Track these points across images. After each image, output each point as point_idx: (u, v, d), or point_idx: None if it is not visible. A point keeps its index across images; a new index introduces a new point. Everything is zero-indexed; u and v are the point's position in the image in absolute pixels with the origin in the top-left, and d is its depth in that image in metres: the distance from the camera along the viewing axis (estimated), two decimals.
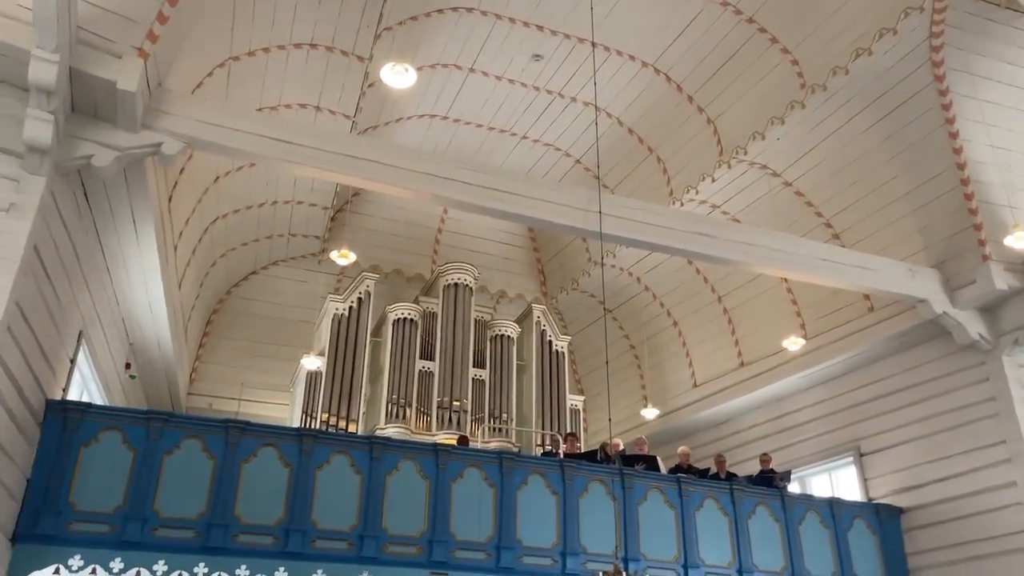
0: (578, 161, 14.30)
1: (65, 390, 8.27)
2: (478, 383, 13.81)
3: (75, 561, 7.14)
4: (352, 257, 12.01)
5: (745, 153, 11.65)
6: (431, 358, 13.57)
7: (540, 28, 11.58)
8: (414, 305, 13.96)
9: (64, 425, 7.56)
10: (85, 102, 6.94)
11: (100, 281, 8.90)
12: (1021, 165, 10.11)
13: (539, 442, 13.59)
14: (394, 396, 12.96)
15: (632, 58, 11.93)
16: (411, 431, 12.69)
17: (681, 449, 11.52)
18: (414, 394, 13.12)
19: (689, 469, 10.85)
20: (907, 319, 10.76)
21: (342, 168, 8.09)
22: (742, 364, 13.46)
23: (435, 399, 13.16)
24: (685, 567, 9.46)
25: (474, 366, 13.79)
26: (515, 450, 12.75)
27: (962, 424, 10.34)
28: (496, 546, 8.73)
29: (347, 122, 11.62)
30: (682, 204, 12.65)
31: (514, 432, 13.66)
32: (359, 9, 9.95)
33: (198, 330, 14.05)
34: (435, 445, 9.36)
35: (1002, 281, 9.91)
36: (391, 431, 12.31)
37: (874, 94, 10.19)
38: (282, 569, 7.77)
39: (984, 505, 9.91)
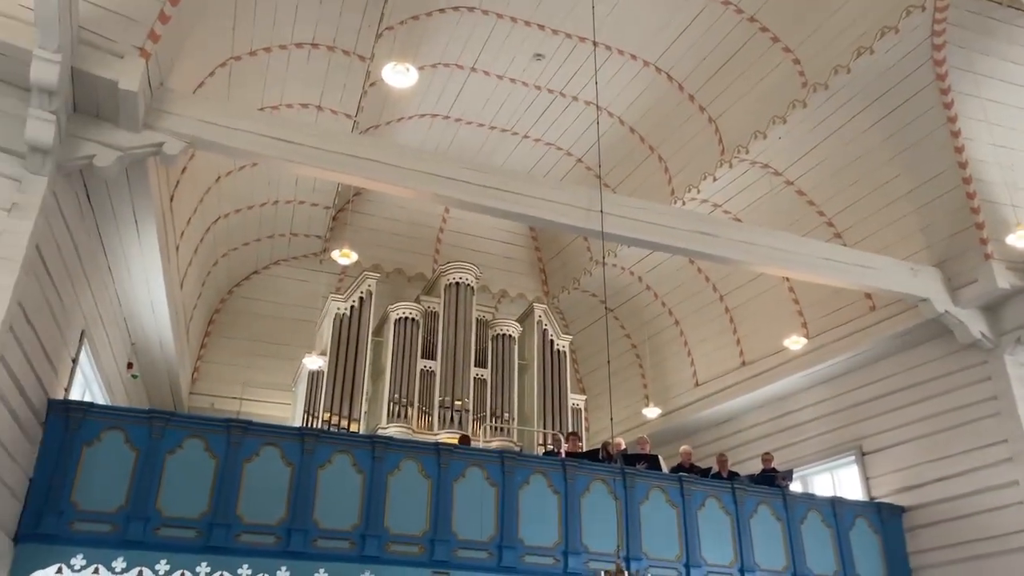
0: (579, 160, 14.30)
1: (67, 390, 8.28)
2: (480, 382, 13.81)
3: (77, 560, 7.15)
4: (354, 256, 12.02)
5: (747, 152, 11.64)
6: (433, 357, 13.58)
7: (541, 27, 11.58)
8: (416, 304, 13.97)
9: (66, 425, 7.57)
10: (87, 102, 6.94)
11: (102, 281, 8.91)
12: (1023, 164, 10.09)
13: (541, 441, 13.59)
14: (396, 395, 12.96)
15: (633, 57, 11.93)
16: (413, 430, 12.70)
17: (683, 448, 11.52)
18: (416, 393, 13.13)
19: (691, 468, 10.85)
20: (909, 318, 10.75)
21: (343, 168, 8.09)
22: (744, 363, 13.46)
23: (437, 398, 13.16)
24: (687, 566, 9.46)
25: (476, 365, 13.80)
26: (517, 449, 12.76)
27: (964, 423, 10.33)
28: (498, 545, 8.73)
29: (348, 122, 11.63)
30: (683, 203, 12.64)
31: (516, 431, 13.66)
32: (360, 9, 9.95)
33: (200, 330, 14.07)
34: (437, 444, 9.38)
35: (1004, 280, 9.90)
36: (393, 430, 12.32)
37: (876, 93, 10.18)
38: (284, 568, 7.77)
39: (986, 504, 9.91)
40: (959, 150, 9.85)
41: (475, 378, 13.70)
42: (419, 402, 13.10)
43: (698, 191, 12.49)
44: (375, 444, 8.76)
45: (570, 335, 15.48)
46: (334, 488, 8.34)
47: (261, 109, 10.45)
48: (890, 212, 10.83)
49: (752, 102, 11.35)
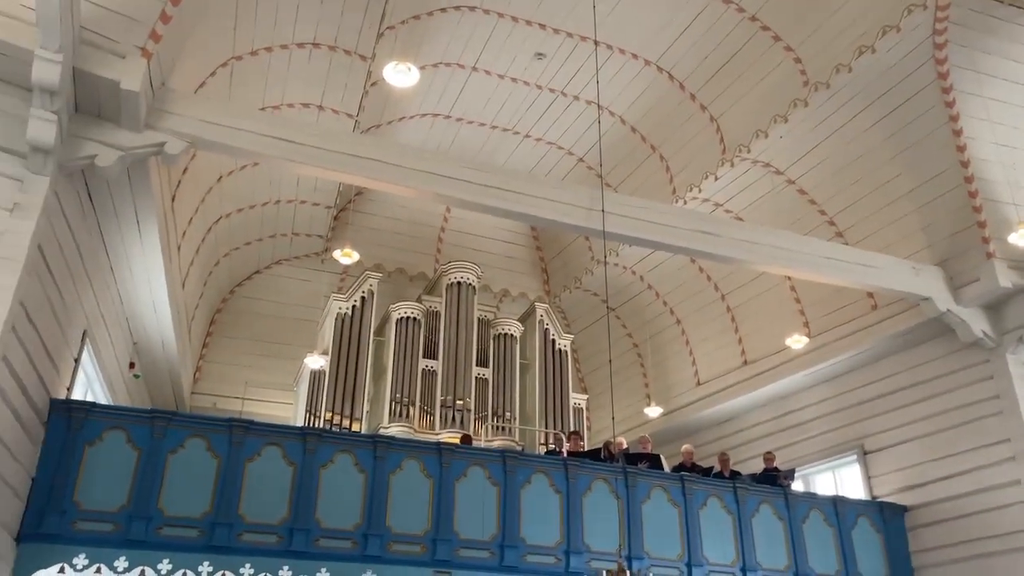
0: (581, 159, 14.30)
1: (69, 389, 8.29)
2: (481, 382, 13.81)
3: (80, 560, 7.15)
4: (355, 256, 12.02)
5: (748, 151, 11.64)
6: (434, 357, 13.58)
7: (542, 26, 11.57)
8: (417, 304, 13.97)
9: (68, 424, 7.58)
10: (89, 102, 6.95)
11: (104, 281, 8.92)
12: None
13: (542, 441, 13.59)
14: (398, 395, 12.97)
15: (635, 56, 11.93)
16: (415, 430, 12.71)
17: (684, 447, 11.52)
18: (417, 393, 13.14)
19: (693, 467, 10.84)
20: (911, 317, 10.75)
21: (345, 167, 8.10)
22: (745, 362, 13.45)
23: (438, 398, 13.17)
24: (689, 565, 9.45)
25: (477, 365, 13.80)
26: (518, 449, 12.76)
27: (966, 422, 10.32)
28: (500, 545, 8.74)
29: (350, 121, 11.63)
30: (685, 202, 12.64)
31: (517, 431, 13.67)
32: (361, 8, 9.95)
33: (202, 329, 14.08)
34: (439, 444, 9.38)
35: (1006, 279, 9.89)
36: (395, 430, 12.33)
37: (877, 92, 10.17)
38: (286, 568, 7.78)
39: (988, 503, 9.90)
40: (961, 149, 9.84)
41: (477, 377, 13.70)
42: (421, 402, 13.11)
43: (699, 190, 12.49)
44: (377, 444, 8.76)
45: (572, 334, 15.49)
46: (336, 488, 8.35)
47: (262, 109, 10.45)
48: (892, 211, 10.83)
49: (753, 101, 11.35)
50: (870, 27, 9.68)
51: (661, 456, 11.00)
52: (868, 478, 11.53)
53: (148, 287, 9.51)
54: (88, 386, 9.35)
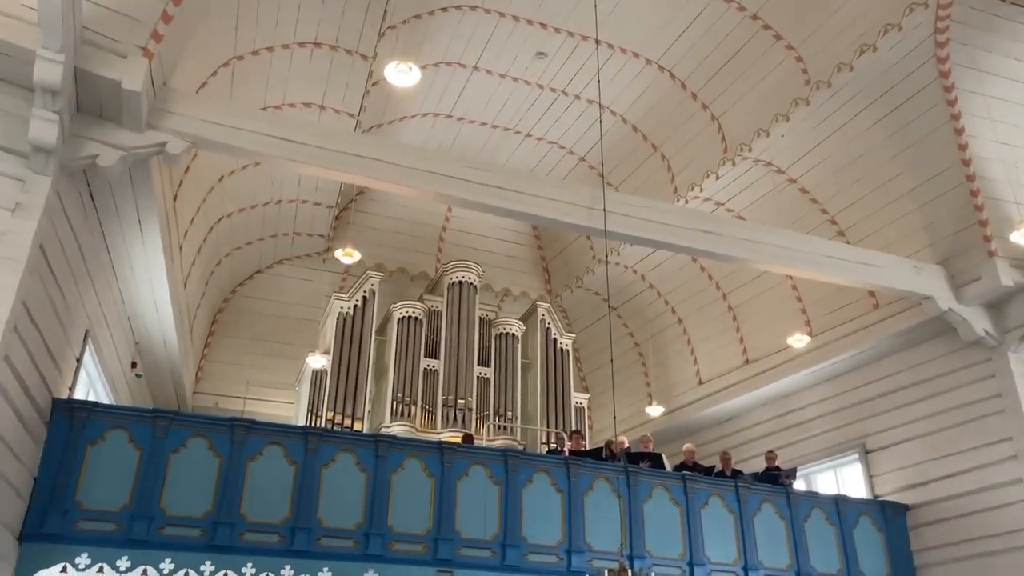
0: (582, 159, 14.30)
1: (71, 389, 8.29)
2: (483, 381, 13.82)
3: (82, 560, 7.16)
4: (356, 256, 12.04)
5: (749, 150, 11.63)
6: (436, 356, 13.59)
7: (544, 26, 11.57)
8: (419, 303, 13.98)
9: (71, 424, 7.59)
10: (90, 102, 6.95)
11: (106, 280, 8.93)
12: None
13: (544, 440, 13.59)
14: (399, 394, 12.98)
15: (636, 55, 11.92)
16: (416, 429, 12.71)
17: (686, 446, 11.52)
18: (419, 392, 13.14)
19: (694, 467, 10.84)
20: (912, 316, 10.74)
21: (346, 167, 8.10)
22: (747, 361, 13.45)
23: (440, 397, 13.18)
24: (690, 564, 9.46)
25: (479, 364, 13.80)
26: (520, 448, 12.77)
27: (968, 421, 10.31)
28: (501, 544, 8.74)
29: (351, 121, 11.63)
30: (686, 201, 12.64)
31: (519, 430, 13.67)
32: (363, 8, 9.95)
33: (203, 329, 14.09)
34: (440, 443, 9.37)
35: (1008, 277, 9.89)
36: (396, 429, 12.34)
37: (879, 90, 10.16)
38: (288, 567, 7.78)
39: (990, 502, 9.89)
40: (962, 147, 9.83)
41: (478, 377, 13.71)
42: (422, 401, 13.12)
43: (701, 189, 12.49)
44: (379, 443, 8.77)
45: (573, 333, 15.50)
46: (338, 487, 8.35)
47: (264, 108, 10.46)
48: (893, 210, 10.82)
49: (755, 100, 11.34)
50: (871, 26, 9.67)
51: (663, 455, 10.99)
52: (870, 477, 11.53)
53: (150, 287, 9.51)
54: (90, 386, 9.36)
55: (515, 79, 12.70)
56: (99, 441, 7.67)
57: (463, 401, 13.16)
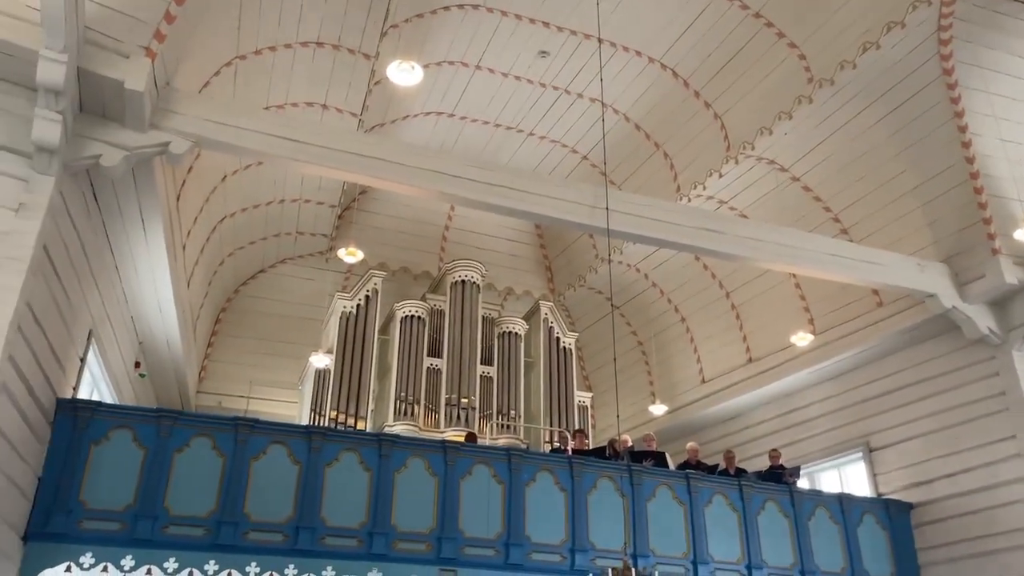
0: (585, 157, 14.29)
1: (75, 389, 8.30)
2: (486, 380, 13.82)
3: (86, 559, 7.18)
4: (359, 255, 12.03)
5: (752, 148, 11.61)
6: (439, 355, 13.60)
7: (546, 24, 11.56)
8: (421, 303, 13.99)
9: (75, 424, 7.60)
10: (93, 102, 6.96)
11: (109, 280, 8.94)
12: None
13: (547, 439, 13.60)
14: (402, 393, 12.99)
15: (638, 54, 11.91)
16: (419, 428, 12.72)
17: (690, 445, 11.51)
18: (422, 391, 13.15)
19: (698, 465, 10.84)
20: (916, 314, 10.72)
21: (349, 166, 8.10)
22: (750, 360, 13.44)
23: (443, 396, 13.18)
24: (694, 563, 9.45)
25: (482, 363, 13.81)
26: (523, 447, 12.77)
27: (972, 419, 10.29)
28: (505, 543, 8.74)
29: (354, 120, 11.63)
30: (689, 200, 12.62)
31: (522, 429, 13.67)
32: (365, 7, 9.94)
33: (207, 329, 14.11)
34: (443, 442, 9.38)
35: (1012, 275, 9.87)
36: (399, 428, 12.34)
37: (882, 88, 10.14)
38: (292, 566, 7.79)
39: (995, 500, 9.87)
40: (966, 145, 9.81)
41: (481, 376, 13.72)
42: (425, 400, 13.13)
43: (704, 188, 12.47)
44: (382, 442, 8.77)
45: (576, 332, 15.49)
46: (341, 486, 8.36)
47: (267, 108, 10.46)
48: (897, 208, 10.80)
49: (758, 98, 11.32)
50: (875, 23, 9.65)
51: (666, 454, 10.99)
52: (874, 475, 11.51)
53: (153, 286, 9.52)
54: (94, 385, 9.37)
55: (517, 78, 12.69)
56: (103, 441, 7.68)
57: (466, 400, 13.16)
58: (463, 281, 14.16)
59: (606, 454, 10.28)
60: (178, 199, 9.40)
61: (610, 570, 6.00)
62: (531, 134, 14.05)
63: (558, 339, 14.68)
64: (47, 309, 6.93)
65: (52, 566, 7.11)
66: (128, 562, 7.28)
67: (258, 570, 7.68)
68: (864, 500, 10.93)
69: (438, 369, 13.46)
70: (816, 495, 10.79)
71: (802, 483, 11.50)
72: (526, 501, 9.04)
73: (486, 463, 9.09)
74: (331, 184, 13.20)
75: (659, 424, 14.50)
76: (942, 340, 10.82)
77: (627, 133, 13.22)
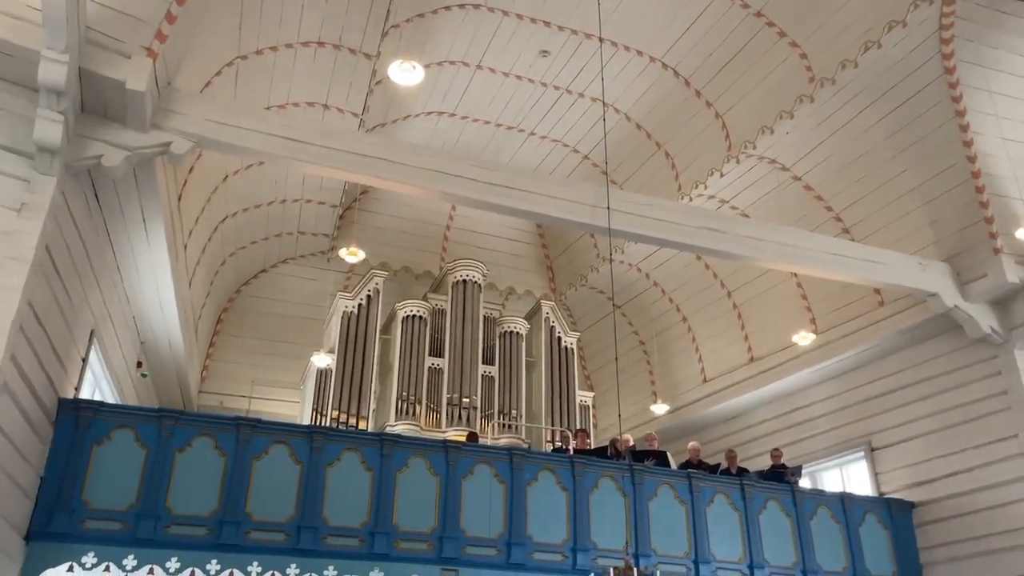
0: (586, 157, 14.28)
1: (77, 389, 8.31)
2: (487, 380, 13.82)
3: (88, 559, 7.19)
4: (361, 255, 12.03)
5: (754, 148, 11.61)
6: (440, 355, 13.60)
7: (547, 24, 11.56)
8: (423, 302, 13.99)
9: (77, 424, 7.61)
10: (95, 102, 6.97)
11: (111, 280, 8.95)
12: None
13: (549, 438, 13.59)
14: (404, 393, 12.99)
15: (639, 53, 11.90)
16: (421, 428, 12.72)
17: (691, 444, 11.51)
18: (424, 391, 13.15)
19: (699, 465, 10.83)
20: (918, 313, 10.72)
21: (351, 166, 8.10)
22: (752, 359, 13.44)
23: (445, 396, 13.18)
24: (696, 563, 9.45)
25: (483, 363, 13.81)
26: (525, 447, 12.77)
27: (974, 418, 10.29)
28: (507, 542, 8.74)
29: (355, 120, 11.64)
30: (691, 199, 12.62)
31: (524, 428, 13.67)
32: (366, 7, 9.95)
33: (208, 328, 14.12)
34: (445, 442, 9.39)
35: (1014, 274, 9.86)
36: (401, 428, 12.35)
37: (884, 87, 10.13)
38: (293, 566, 7.80)
39: (997, 499, 9.87)
40: (968, 144, 9.80)
41: (483, 375, 13.72)
42: (427, 400, 13.13)
43: (705, 187, 12.46)
44: (383, 442, 8.78)
45: (577, 332, 15.48)
46: (343, 486, 8.36)
47: (268, 108, 10.46)
48: (899, 207, 10.79)
49: (759, 97, 11.32)
50: (876, 22, 9.64)
51: (668, 453, 10.98)
52: (875, 474, 11.51)
53: (155, 286, 9.53)
54: (96, 385, 9.38)
55: (518, 77, 12.69)
56: (105, 441, 7.69)
57: (468, 400, 13.16)
58: (464, 281, 14.17)
59: (608, 453, 10.28)
60: (179, 199, 9.40)
61: (612, 569, 5.99)
62: (532, 134, 14.04)
63: (559, 339, 14.68)
64: (49, 309, 6.93)
65: (54, 566, 7.12)
66: (130, 562, 7.29)
67: (260, 570, 7.69)
68: (866, 499, 10.93)
69: (440, 369, 13.46)
70: (818, 494, 10.79)
71: (804, 482, 11.50)
72: (528, 501, 9.04)
73: (488, 463, 9.09)
74: (332, 184, 13.20)
75: (661, 423, 14.50)
76: (944, 339, 10.81)
77: (628, 132, 13.22)
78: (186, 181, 9.56)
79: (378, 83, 11.50)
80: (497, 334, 14.37)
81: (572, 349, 14.73)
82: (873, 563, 10.34)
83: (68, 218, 7.14)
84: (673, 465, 10.74)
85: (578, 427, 13.28)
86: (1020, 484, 9.66)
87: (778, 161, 11.73)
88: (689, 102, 12.20)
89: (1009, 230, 9.76)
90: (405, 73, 8.98)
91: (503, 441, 12.98)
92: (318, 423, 12.57)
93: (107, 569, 7.26)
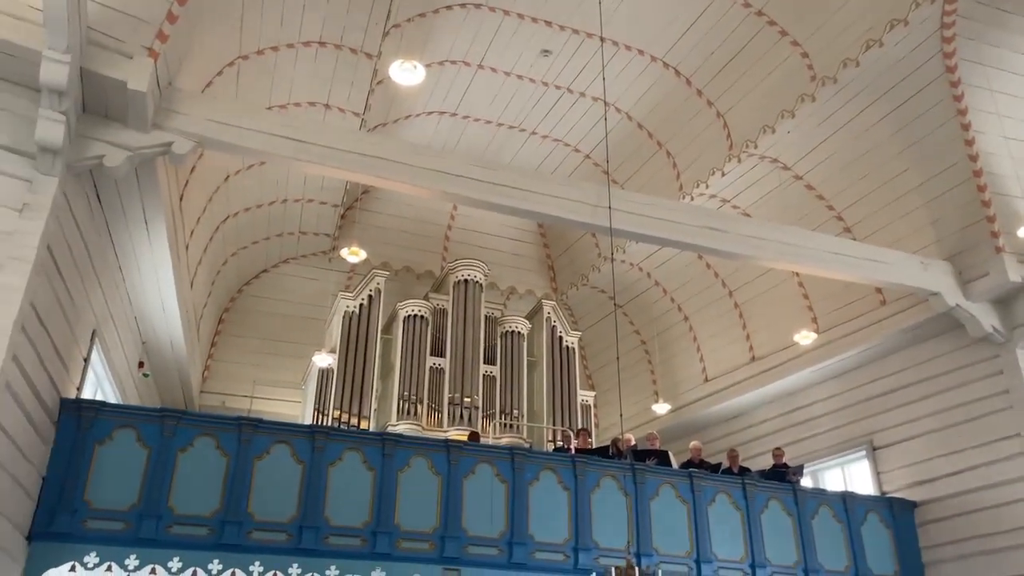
0: (587, 156, 14.28)
1: (79, 389, 8.32)
2: (489, 379, 13.82)
3: (91, 559, 7.19)
4: (362, 254, 12.03)
5: (755, 147, 11.60)
6: (442, 355, 13.60)
7: (548, 23, 11.56)
8: (424, 302, 13.99)
9: (79, 424, 7.61)
10: (96, 102, 6.97)
11: (113, 280, 8.96)
12: None
13: (550, 438, 13.59)
14: (405, 393, 12.99)
15: (641, 53, 11.90)
16: (422, 427, 12.73)
17: (693, 444, 11.51)
18: (425, 391, 13.16)
19: (701, 464, 10.83)
20: (920, 312, 10.71)
21: (352, 166, 8.10)
22: (753, 358, 13.43)
23: (446, 395, 13.18)
24: (697, 562, 9.45)
25: (485, 362, 13.81)
26: (526, 446, 12.76)
27: (976, 417, 10.28)
28: (508, 542, 8.74)
29: (356, 120, 11.64)
30: (692, 199, 12.61)
31: (525, 428, 13.68)
32: (367, 6, 9.95)
33: (210, 328, 14.12)
34: (447, 441, 9.39)
35: (1015, 273, 9.85)
36: (403, 428, 12.36)
37: (885, 86, 10.12)
38: (295, 566, 7.81)
39: (999, 498, 9.86)
40: (969, 143, 9.79)
41: (484, 375, 13.72)
42: (428, 399, 13.13)
43: (707, 186, 12.46)
44: (385, 441, 8.78)
45: (579, 331, 15.49)
46: (345, 485, 8.37)
47: (269, 108, 10.46)
48: (900, 206, 10.79)
49: (760, 96, 11.32)
50: (877, 21, 9.63)
51: (669, 453, 10.98)
52: (877, 474, 11.50)
53: (157, 286, 9.54)
54: (98, 385, 9.39)
55: (520, 77, 12.69)
56: (107, 440, 7.70)
57: (469, 399, 13.16)
58: (466, 280, 14.17)
59: (609, 453, 10.28)
60: (181, 199, 9.41)
61: (613, 569, 5.99)
62: (533, 133, 14.04)
63: (561, 338, 14.67)
64: (51, 309, 6.94)
65: (56, 566, 7.13)
66: (132, 561, 7.29)
67: (262, 569, 7.70)
68: (868, 498, 10.93)
69: (441, 368, 13.46)
70: (819, 494, 10.79)
71: (805, 482, 11.50)
72: (529, 500, 9.04)
73: (489, 462, 9.09)
74: (334, 184, 13.21)
75: (662, 423, 14.50)
76: (945, 338, 10.80)
77: (630, 132, 13.21)
78: (187, 181, 9.57)
79: (379, 83, 11.50)
80: (498, 334, 14.37)
81: (573, 349, 14.73)
82: (875, 562, 10.34)
83: (70, 218, 7.14)
84: (675, 464, 10.73)
85: (580, 426, 13.28)
86: (1022, 483, 9.65)
87: (779, 160, 11.73)
88: (690, 101, 12.20)
89: (1011, 229, 9.76)
90: (406, 73, 8.97)
91: (505, 441, 12.98)
92: (320, 423, 12.58)
93: (109, 569, 7.27)
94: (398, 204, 15.53)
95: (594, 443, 12.89)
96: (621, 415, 9.47)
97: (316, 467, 8.31)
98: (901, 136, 10.40)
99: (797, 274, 12.28)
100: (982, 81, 9.66)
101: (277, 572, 7.74)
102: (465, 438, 10.87)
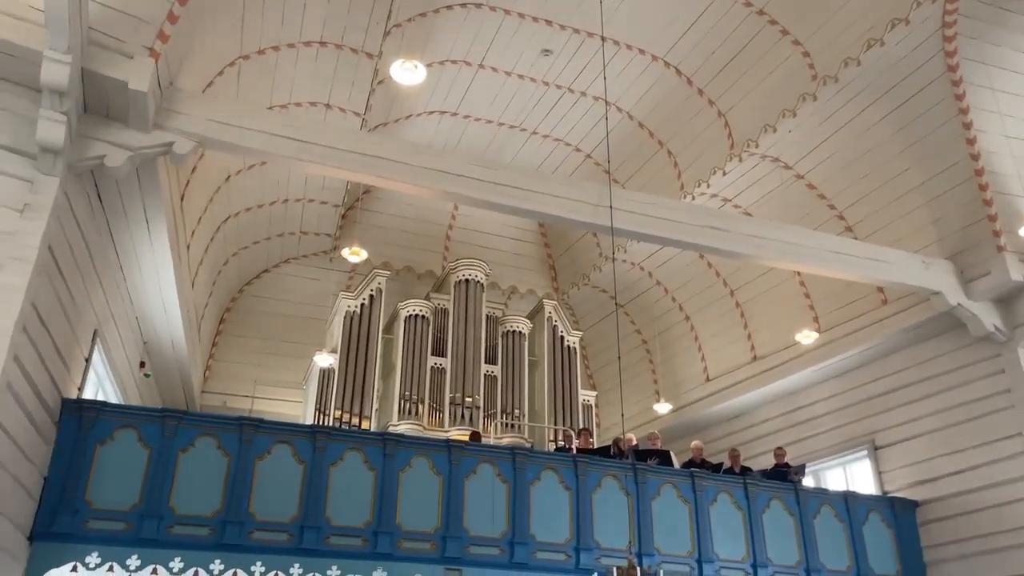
0: (588, 156, 14.28)
1: (81, 389, 8.32)
2: (490, 379, 13.82)
3: (92, 559, 7.20)
4: (363, 254, 12.04)
5: (756, 146, 11.60)
6: (443, 354, 13.60)
7: (549, 23, 11.56)
8: (425, 302, 13.99)
9: (80, 424, 7.61)
10: (97, 102, 6.97)
11: (114, 280, 8.96)
12: None
13: (552, 438, 13.59)
14: (407, 393, 12.99)
15: (642, 52, 11.89)
16: (424, 427, 12.72)
17: (694, 443, 11.50)
18: (426, 391, 13.15)
19: (703, 464, 10.82)
20: (921, 311, 10.70)
21: (353, 166, 8.10)
22: (755, 358, 13.42)
23: (447, 395, 13.18)
24: (699, 562, 9.44)
25: (486, 362, 13.81)
26: (528, 446, 12.76)
27: (977, 416, 10.27)
28: (510, 541, 8.74)
29: (357, 119, 11.64)
30: (693, 198, 12.61)
31: (526, 428, 13.67)
32: (368, 6, 9.95)
33: (211, 329, 14.13)
34: (448, 441, 9.39)
35: (1017, 272, 9.84)
36: (404, 428, 12.35)
37: (886, 85, 10.12)
38: (297, 565, 7.81)
39: (1000, 498, 9.85)
40: (971, 142, 9.78)
41: (485, 375, 13.71)
42: (430, 399, 13.13)
43: (708, 185, 12.46)
44: (386, 441, 8.78)
45: (580, 331, 15.49)
46: (346, 485, 8.37)
47: (270, 108, 10.47)
48: (902, 205, 10.78)
49: (761, 96, 11.31)
50: (879, 20, 9.63)
51: (671, 452, 10.97)
52: (879, 473, 11.49)
53: (158, 286, 9.54)
54: (99, 385, 9.39)
55: (521, 76, 12.69)
56: (108, 440, 7.70)
57: (470, 399, 13.16)
58: (467, 280, 14.16)
59: (611, 453, 10.27)
60: (182, 199, 9.41)
61: (615, 569, 5.99)
62: (534, 133, 14.04)
63: (562, 338, 14.67)
64: (52, 309, 6.94)
65: (58, 566, 7.13)
66: (134, 562, 7.30)
67: (263, 569, 7.70)
68: (869, 498, 10.92)
69: (442, 368, 13.46)
70: (821, 493, 10.78)
71: (807, 481, 11.49)
72: (531, 500, 9.04)
73: (490, 462, 9.09)
74: (335, 184, 13.21)
75: (663, 423, 14.49)
76: (947, 337, 10.79)
77: (631, 131, 13.21)
78: (188, 181, 9.57)
79: (380, 83, 11.50)
80: (500, 333, 14.37)
81: (575, 348, 14.72)
82: (877, 562, 10.33)
83: (71, 218, 7.14)
84: (676, 464, 10.72)
85: (581, 426, 13.28)
86: (1023, 482, 9.64)
87: (781, 159, 11.72)
88: (691, 100, 12.19)
89: (1012, 228, 9.75)
90: (407, 72, 8.96)
91: (506, 440, 12.98)
92: (321, 423, 12.58)
93: (111, 569, 7.27)
94: (399, 204, 15.54)
95: (595, 443, 12.89)
96: (622, 415, 9.50)
97: (317, 467, 8.31)
98: (902, 135, 10.39)
99: (798, 273, 12.28)
100: (984, 80, 9.65)
101: (278, 572, 7.74)
102: (466, 438, 10.87)
